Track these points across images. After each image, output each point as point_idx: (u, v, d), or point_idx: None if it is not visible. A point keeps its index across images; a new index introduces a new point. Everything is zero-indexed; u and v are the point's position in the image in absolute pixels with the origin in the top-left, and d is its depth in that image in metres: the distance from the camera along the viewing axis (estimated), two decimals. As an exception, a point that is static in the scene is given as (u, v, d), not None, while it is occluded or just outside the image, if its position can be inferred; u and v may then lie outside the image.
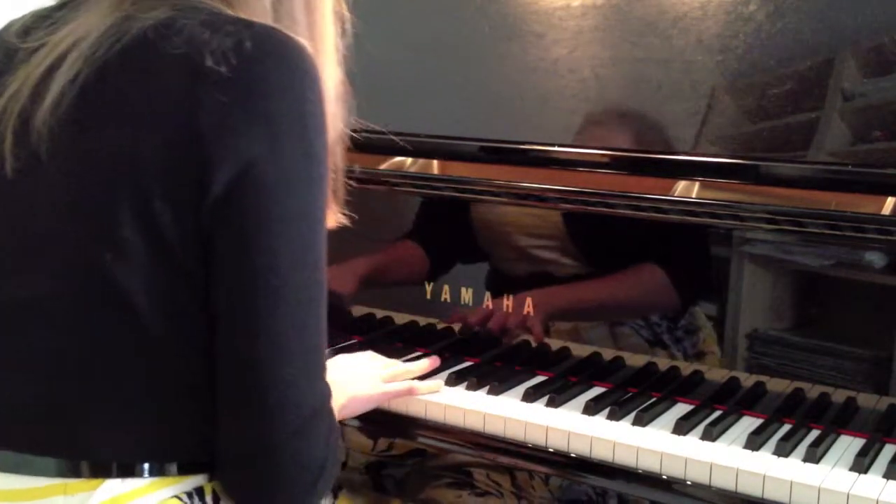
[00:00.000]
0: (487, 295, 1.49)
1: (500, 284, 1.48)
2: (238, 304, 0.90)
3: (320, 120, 0.93)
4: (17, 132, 0.93)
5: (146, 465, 0.92)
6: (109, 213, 0.89)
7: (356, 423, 1.39)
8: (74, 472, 0.91)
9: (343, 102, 1.07)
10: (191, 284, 0.91)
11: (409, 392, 1.34)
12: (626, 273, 1.42)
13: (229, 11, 0.94)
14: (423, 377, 1.39)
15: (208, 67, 0.87)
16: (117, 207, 0.89)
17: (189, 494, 0.94)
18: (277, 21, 0.97)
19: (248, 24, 0.91)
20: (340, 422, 1.29)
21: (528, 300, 1.45)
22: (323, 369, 0.95)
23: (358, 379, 1.29)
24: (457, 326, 1.52)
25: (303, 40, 0.95)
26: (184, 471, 0.94)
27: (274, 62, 0.90)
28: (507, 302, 1.47)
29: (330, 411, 0.96)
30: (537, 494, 1.34)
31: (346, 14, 1.09)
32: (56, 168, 0.92)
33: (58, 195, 0.92)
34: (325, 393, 0.96)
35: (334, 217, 1.09)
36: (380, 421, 1.36)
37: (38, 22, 1.00)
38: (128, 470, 0.91)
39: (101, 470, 0.91)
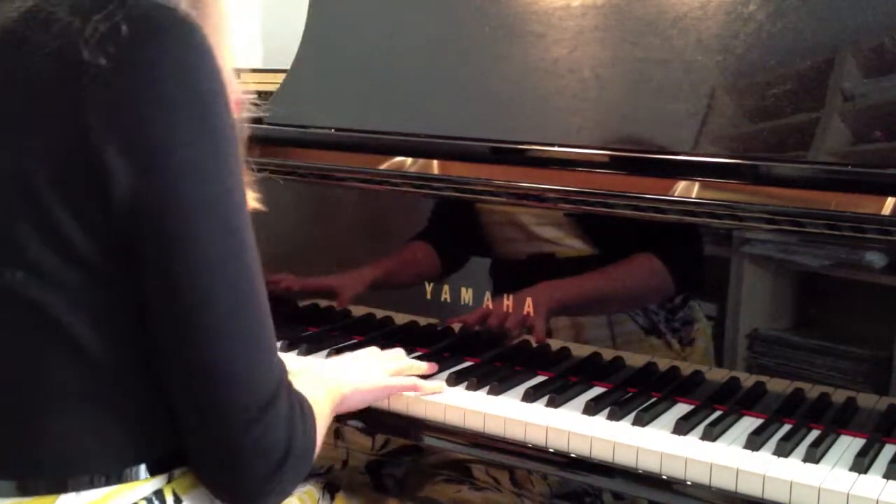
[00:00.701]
0: (487, 295, 1.49)
1: (501, 284, 1.48)
2: (168, 305, 0.86)
3: (220, 96, 0.86)
4: None
5: (100, 476, 0.90)
6: (11, 234, 0.85)
7: (358, 423, 1.39)
8: (28, 491, 0.89)
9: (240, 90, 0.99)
10: (115, 293, 0.87)
11: (413, 388, 1.34)
12: (625, 266, 1.41)
13: None
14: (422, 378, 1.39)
15: (85, 61, 0.81)
16: (17, 230, 0.84)
17: (148, 499, 0.92)
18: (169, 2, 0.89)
19: (121, 2, 0.83)
20: (341, 418, 1.29)
21: (529, 300, 1.45)
22: (270, 352, 0.92)
23: (362, 371, 1.29)
24: (457, 326, 1.52)
25: (187, 10, 0.88)
26: (139, 476, 0.92)
27: (156, 43, 0.83)
28: (508, 302, 1.47)
29: (287, 392, 0.93)
30: (536, 490, 1.34)
31: None
32: None
33: None
34: (276, 378, 0.92)
35: (250, 202, 1.01)
36: (380, 420, 1.36)
37: None
38: (82, 483, 0.89)
39: (56, 485, 0.89)
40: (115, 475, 0.90)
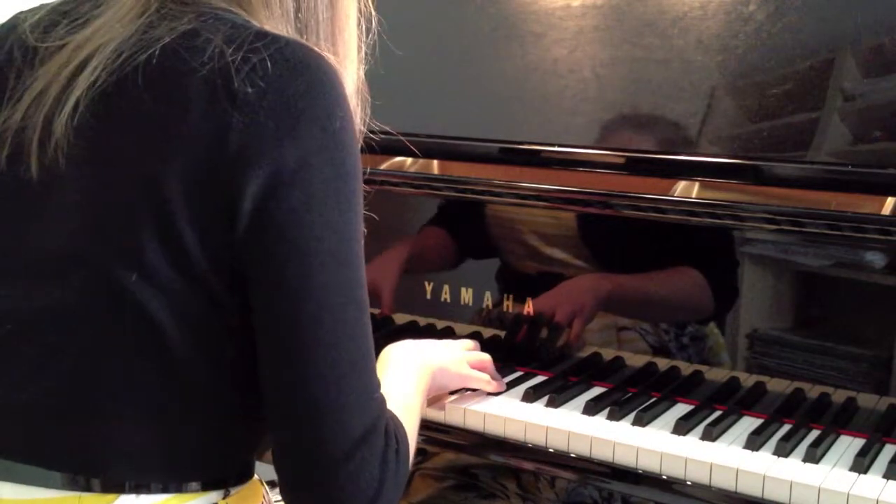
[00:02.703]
0: (488, 295, 1.49)
1: (501, 284, 1.48)
2: (276, 332, 0.88)
3: (350, 136, 0.90)
4: (41, 137, 0.90)
5: (161, 483, 0.91)
6: (132, 237, 0.87)
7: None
8: (87, 487, 0.90)
9: (363, 103, 1.05)
10: (220, 312, 0.89)
11: (485, 385, 1.34)
12: (627, 267, 1.42)
13: (252, 20, 0.92)
14: None
15: (235, 89, 0.85)
16: (140, 233, 0.87)
17: None
18: (300, 28, 0.95)
19: (274, 41, 0.88)
20: None
21: (529, 300, 1.45)
22: (370, 386, 0.93)
23: (448, 353, 1.29)
24: (457, 327, 1.52)
25: (325, 52, 0.93)
26: (199, 488, 0.93)
27: (301, 83, 0.87)
28: (508, 302, 1.47)
29: (385, 427, 0.93)
30: (543, 496, 1.34)
31: (373, 13, 1.05)
32: (74, 181, 0.90)
33: (78, 210, 0.90)
34: (376, 413, 0.93)
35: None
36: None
37: (58, 18, 0.96)
38: (142, 486, 0.90)
39: (115, 486, 0.90)
40: (174, 486, 0.91)
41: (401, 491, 0.96)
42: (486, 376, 1.35)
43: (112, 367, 0.89)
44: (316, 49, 0.91)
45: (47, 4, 1.00)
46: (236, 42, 0.87)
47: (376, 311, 1.59)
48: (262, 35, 0.89)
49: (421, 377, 1.17)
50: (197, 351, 0.90)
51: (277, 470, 0.93)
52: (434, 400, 1.32)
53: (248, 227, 0.86)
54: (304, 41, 0.92)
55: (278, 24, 0.94)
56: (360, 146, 0.95)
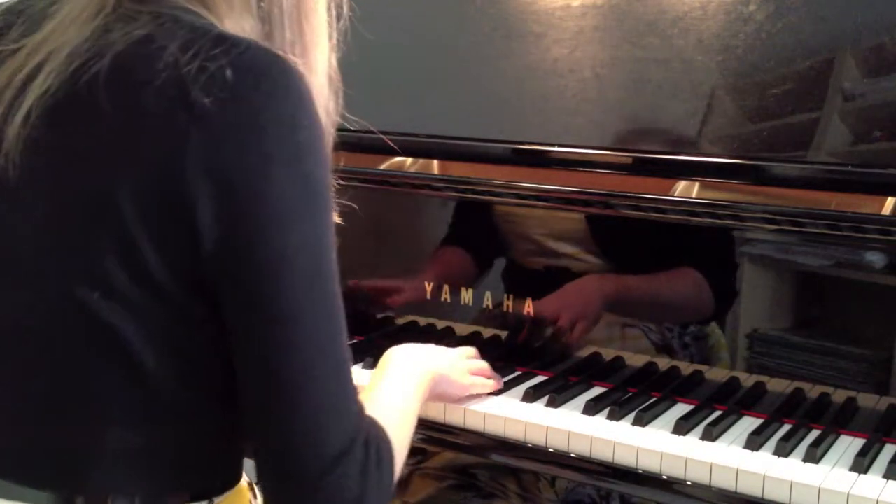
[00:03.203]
0: (488, 295, 1.49)
1: (501, 284, 1.48)
2: (249, 351, 0.86)
3: (316, 146, 0.86)
4: None
5: (141, 497, 0.89)
6: (92, 255, 0.84)
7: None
8: None
9: (336, 90, 0.99)
10: (189, 327, 0.87)
11: (485, 390, 1.34)
12: (627, 268, 1.42)
13: (213, 20, 0.87)
14: None
15: (192, 100, 0.81)
16: (100, 251, 0.84)
17: None
18: (262, 17, 0.90)
19: (234, 46, 0.83)
20: None
21: (529, 300, 1.45)
22: (347, 401, 0.91)
23: (449, 361, 1.28)
24: (457, 327, 1.52)
25: (292, 45, 0.90)
26: (182, 500, 0.92)
27: (262, 92, 0.83)
28: (508, 302, 1.47)
29: (365, 440, 0.91)
30: (543, 496, 1.34)
31: None
32: (30, 195, 0.87)
33: (35, 226, 0.87)
34: (353, 427, 0.91)
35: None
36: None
37: (12, 18, 0.92)
38: (124, 502, 0.89)
39: (98, 502, 0.88)
40: (156, 499, 0.90)
41: (387, 498, 0.95)
42: (489, 382, 1.35)
43: (84, 384, 0.87)
44: (280, 54, 0.87)
45: (3, 4, 0.96)
46: (192, 49, 0.83)
47: (377, 311, 1.59)
48: (221, 40, 0.84)
49: (420, 382, 1.16)
50: (170, 367, 0.87)
51: (262, 485, 0.92)
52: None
53: (214, 246, 0.83)
54: (266, 45, 0.88)
55: (240, 17, 0.89)
56: (332, 140, 0.92)
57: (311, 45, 0.94)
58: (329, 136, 0.93)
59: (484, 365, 1.36)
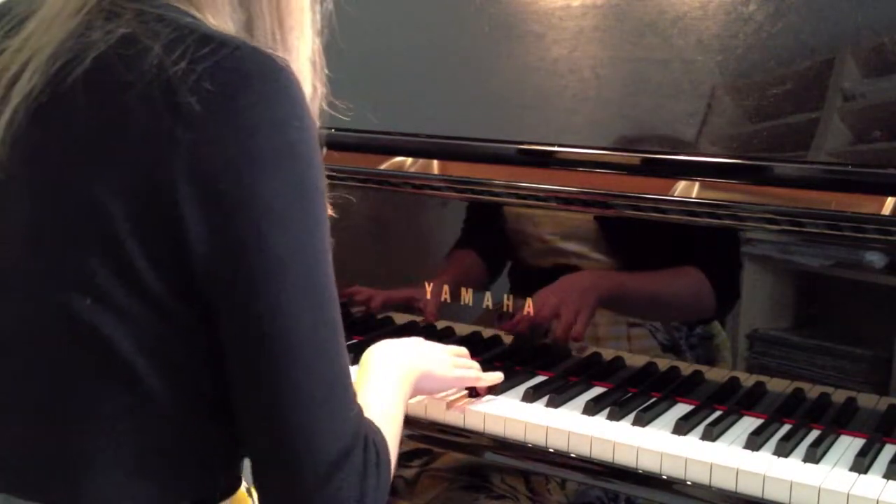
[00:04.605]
0: (488, 295, 1.49)
1: (502, 284, 1.48)
2: (245, 356, 0.85)
3: (308, 147, 0.85)
4: None
5: None
6: (81, 261, 0.83)
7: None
8: None
9: (320, 75, 0.97)
10: (182, 332, 0.86)
11: (476, 381, 1.33)
12: (628, 268, 1.42)
13: (197, 15, 0.86)
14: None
15: (178, 101, 0.79)
16: (89, 257, 0.83)
17: None
18: (246, 16, 0.88)
19: (221, 45, 0.82)
20: None
21: (529, 300, 1.45)
22: (346, 404, 0.90)
23: (432, 359, 1.26)
24: (457, 327, 1.52)
25: (275, 44, 0.89)
26: None
27: (252, 93, 0.81)
28: (508, 302, 1.47)
29: (364, 442, 0.91)
30: (552, 498, 1.34)
31: None
32: (18, 199, 0.86)
33: (23, 231, 0.86)
34: (353, 430, 0.89)
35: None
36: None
37: None
38: None
39: None
40: None
41: (383, 498, 0.94)
42: (477, 373, 1.32)
43: (78, 394, 0.86)
44: (267, 52, 0.85)
45: None
46: (178, 50, 0.81)
47: (377, 311, 1.59)
48: (208, 40, 0.82)
49: (402, 383, 1.13)
50: (161, 374, 0.86)
51: (258, 490, 0.91)
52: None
53: (206, 251, 0.82)
54: (250, 39, 0.87)
55: (222, 8, 0.87)
56: (320, 131, 0.90)
57: (290, 30, 0.92)
58: (316, 128, 0.91)
59: (471, 363, 1.34)
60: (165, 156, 0.80)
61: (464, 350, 1.36)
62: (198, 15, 0.86)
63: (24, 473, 0.89)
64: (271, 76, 0.83)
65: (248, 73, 0.82)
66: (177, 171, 0.80)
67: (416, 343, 1.26)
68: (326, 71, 0.98)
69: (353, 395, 0.91)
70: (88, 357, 0.85)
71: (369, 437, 0.92)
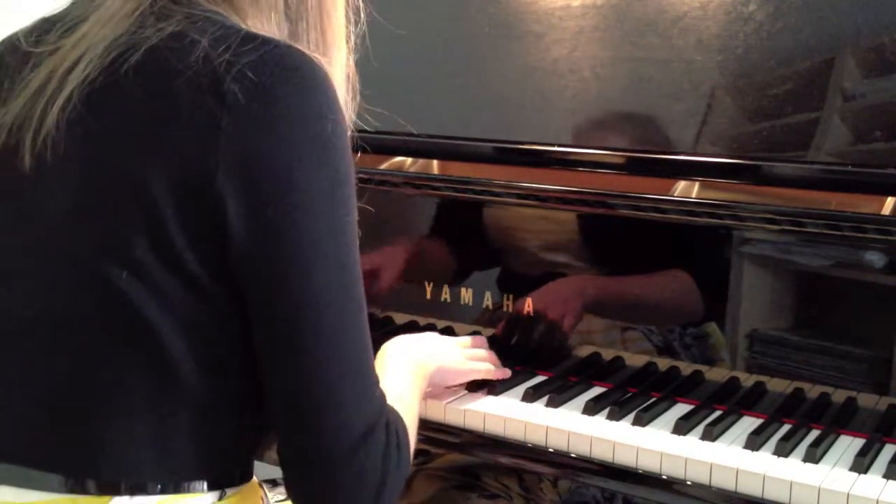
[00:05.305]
0: (487, 295, 1.49)
1: (501, 285, 1.48)
2: (276, 336, 0.89)
3: (341, 139, 0.90)
4: (35, 131, 0.91)
5: (156, 484, 0.91)
6: (121, 234, 0.87)
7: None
8: (82, 489, 0.89)
9: (353, 91, 1.05)
10: (216, 312, 0.89)
11: (489, 374, 1.35)
12: (629, 271, 1.42)
13: (240, 23, 0.92)
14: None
15: (224, 90, 0.85)
16: (129, 230, 0.87)
17: None
18: (289, 15, 0.95)
19: (263, 43, 0.88)
20: None
21: (529, 301, 1.45)
22: (371, 383, 0.94)
23: (446, 352, 1.29)
24: (457, 327, 1.52)
25: (314, 45, 0.95)
26: (194, 490, 0.93)
27: (291, 86, 0.87)
28: (508, 302, 1.47)
29: (385, 423, 0.94)
30: (546, 497, 1.34)
31: (361, 4, 1.06)
32: (67, 176, 0.90)
33: (69, 206, 0.90)
34: (377, 409, 0.94)
35: None
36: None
37: (48, 26, 0.97)
38: (137, 488, 0.90)
39: (110, 487, 0.90)
40: (170, 486, 0.91)
41: (402, 483, 0.97)
42: (489, 366, 1.35)
43: (106, 368, 0.89)
44: (306, 52, 0.91)
45: (42, 16, 1.01)
46: (224, 44, 0.87)
47: (377, 311, 1.59)
48: (251, 38, 0.88)
49: (416, 377, 1.17)
50: (192, 353, 0.89)
51: (283, 467, 0.94)
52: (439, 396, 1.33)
53: (243, 232, 0.86)
54: (293, 43, 0.92)
55: (266, 17, 0.94)
56: (351, 140, 0.95)
57: (331, 45, 0.98)
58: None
59: (482, 353, 1.37)
60: (209, 141, 0.85)
61: (470, 339, 1.38)
62: (240, 23, 0.92)
63: (43, 445, 0.91)
64: (310, 73, 0.88)
65: (288, 68, 0.87)
66: (219, 157, 0.85)
67: (429, 338, 1.29)
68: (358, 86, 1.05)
69: (376, 375, 0.95)
70: (120, 332, 0.88)
71: (391, 419, 0.95)
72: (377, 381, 0.95)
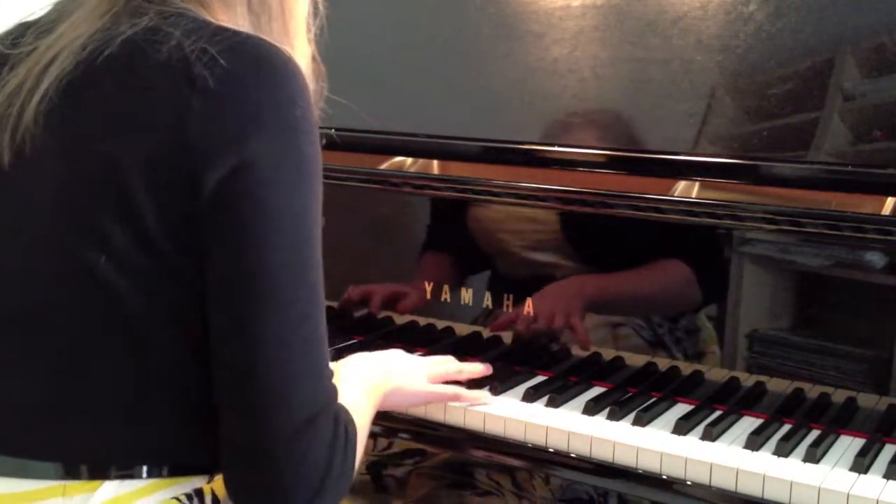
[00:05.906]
0: (487, 295, 1.49)
1: (502, 284, 1.48)
2: (229, 309, 0.90)
3: (309, 124, 0.93)
4: (13, 128, 0.93)
5: (145, 467, 0.92)
6: (97, 219, 0.89)
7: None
8: (73, 475, 0.91)
9: (317, 78, 1.06)
10: (187, 290, 0.91)
11: (455, 398, 1.32)
12: (629, 271, 1.42)
13: (211, 19, 0.95)
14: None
15: (196, 73, 0.88)
16: (104, 213, 0.89)
17: (189, 496, 0.94)
18: (254, 20, 0.98)
19: (235, 34, 0.92)
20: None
21: (529, 300, 1.45)
22: (322, 372, 0.94)
23: (405, 372, 1.27)
24: (457, 327, 1.52)
25: (280, 38, 0.97)
26: (183, 472, 0.94)
27: (261, 72, 0.90)
28: (508, 302, 1.47)
29: (335, 414, 0.94)
30: (538, 494, 1.34)
31: None
32: (44, 168, 0.93)
33: (47, 196, 0.92)
34: (325, 397, 0.94)
35: None
36: (383, 418, 1.36)
37: (24, 29, 1.00)
38: (126, 472, 0.91)
39: (100, 472, 0.91)
40: (158, 469, 0.93)
41: (347, 485, 0.95)
42: (453, 389, 1.31)
43: (91, 355, 0.91)
44: (276, 44, 0.94)
45: (19, 21, 1.04)
46: (195, 35, 0.90)
47: (377, 311, 1.60)
48: (222, 30, 0.92)
49: (371, 395, 1.14)
50: (171, 334, 0.92)
51: (223, 460, 0.93)
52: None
53: (208, 208, 0.88)
54: (262, 36, 0.95)
55: (234, 12, 0.97)
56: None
57: (292, 36, 1.01)
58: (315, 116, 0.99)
59: (449, 370, 1.33)
60: (181, 120, 0.88)
61: (447, 359, 1.35)
62: (212, 18, 0.95)
63: (36, 433, 0.92)
64: (279, 62, 0.92)
65: (257, 57, 0.91)
66: (191, 134, 0.88)
67: (388, 357, 1.27)
68: (324, 70, 1.07)
69: (327, 367, 0.95)
70: (102, 317, 0.91)
71: (340, 415, 0.95)
72: (327, 368, 0.94)
